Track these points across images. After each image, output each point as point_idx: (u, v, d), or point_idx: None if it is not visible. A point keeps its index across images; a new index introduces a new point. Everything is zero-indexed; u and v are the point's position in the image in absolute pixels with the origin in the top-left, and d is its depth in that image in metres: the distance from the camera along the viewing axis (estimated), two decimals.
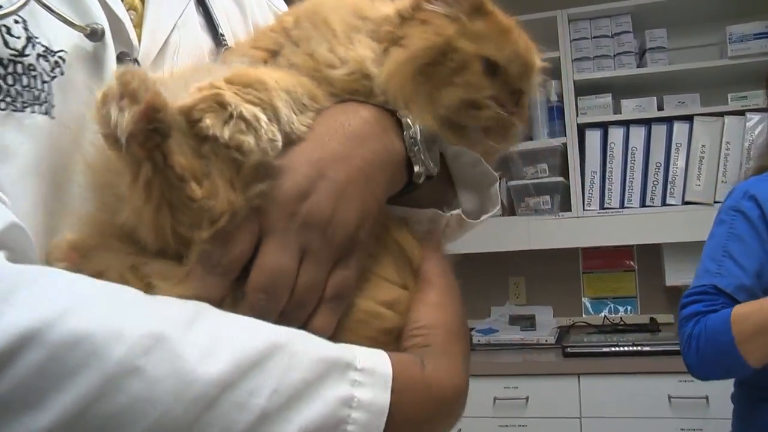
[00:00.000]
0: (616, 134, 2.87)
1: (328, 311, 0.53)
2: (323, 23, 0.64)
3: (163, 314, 0.46)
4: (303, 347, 0.48)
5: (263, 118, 0.51)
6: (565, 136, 2.92)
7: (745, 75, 2.81)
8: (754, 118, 2.72)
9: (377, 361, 0.50)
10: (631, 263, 3.12)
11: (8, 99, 0.54)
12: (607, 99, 2.92)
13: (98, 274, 0.50)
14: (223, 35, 0.76)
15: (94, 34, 0.60)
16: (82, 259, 0.53)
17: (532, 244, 2.89)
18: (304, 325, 0.52)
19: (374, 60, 0.61)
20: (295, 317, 0.52)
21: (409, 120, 0.59)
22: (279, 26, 0.69)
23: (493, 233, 2.73)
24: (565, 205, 2.93)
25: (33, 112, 0.55)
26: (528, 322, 3.02)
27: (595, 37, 2.98)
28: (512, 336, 2.91)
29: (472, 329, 2.98)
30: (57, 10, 0.57)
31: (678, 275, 2.85)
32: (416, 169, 0.59)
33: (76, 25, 0.59)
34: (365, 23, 0.64)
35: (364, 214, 0.54)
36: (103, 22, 0.61)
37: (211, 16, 0.78)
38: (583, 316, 3.14)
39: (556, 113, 2.97)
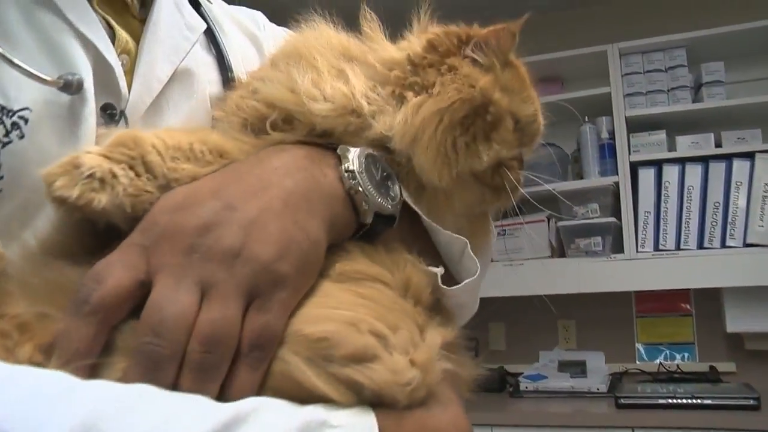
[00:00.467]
0: (671, 172, 2.74)
1: (247, 367, 0.43)
2: (306, 61, 0.59)
3: (94, 402, 0.37)
4: (271, 417, 0.41)
5: (122, 174, 0.47)
6: (617, 174, 2.80)
7: None
8: None
9: (359, 418, 0.43)
10: (688, 307, 2.95)
11: None
12: (661, 136, 2.79)
13: None
14: (233, 78, 0.71)
15: (69, 87, 0.55)
16: None
17: (583, 287, 2.76)
18: (221, 387, 0.43)
19: (368, 98, 0.56)
20: (203, 371, 0.42)
21: (349, 153, 0.53)
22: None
23: (542, 275, 2.62)
24: (617, 247, 2.79)
25: None
26: (578, 369, 2.88)
27: (647, 72, 2.87)
28: (562, 383, 2.77)
29: (519, 374, 2.85)
30: (18, 63, 0.52)
31: (740, 321, 2.69)
32: (362, 205, 0.52)
33: (43, 79, 0.53)
34: (355, 64, 0.59)
35: (286, 246, 0.46)
36: (85, 69, 0.56)
37: (223, 55, 0.73)
38: (637, 362, 2.98)
39: (608, 151, 2.85)
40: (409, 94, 0.57)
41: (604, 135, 2.87)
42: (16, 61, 0.53)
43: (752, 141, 2.71)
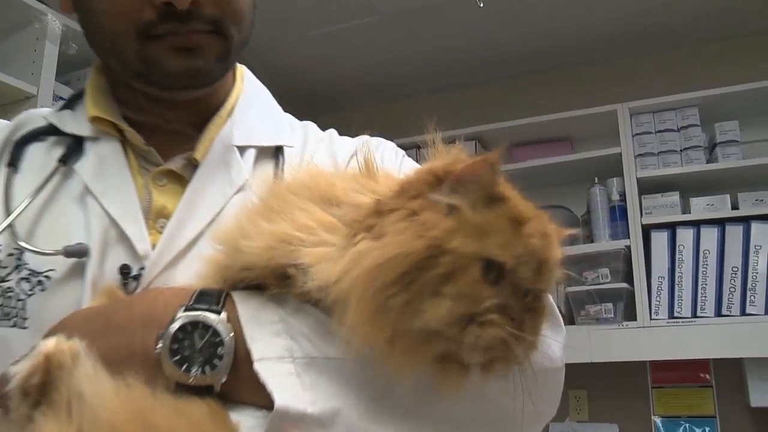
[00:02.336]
0: (685, 236, 2.62)
1: None
2: (266, 206, 0.61)
3: None
4: None
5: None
6: (629, 238, 2.69)
7: None
8: None
9: None
10: (708, 377, 2.79)
11: None
12: (674, 197, 2.68)
13: None
14: None
15: (72, 254, 0.72)
16: None
17: (594, 356, 2.61)
18: None
19: (312, 241, 0.54)
20: None
21: (177, 318, 0.55)
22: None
23: None
24: (630, 314, 2.65)
25: (1, 326, 0.71)
26: None
27: (659, 132, 2.79)
28: None
29: None
30: (21, 245, 0.73)
31: (765, 395, 2.52)
32: (165, 371, 0.54)
33: (41, 252, 0.72)
34: (325, 207, 0.57)
35: None
36: (97, 240, 0.73)
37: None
38: None
39: (618, 214, 2.75)
40: (361, 239, 0.52)
41: (615, 197, 2.77)
42: (21, 244, 0.73)
43: None
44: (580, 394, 2.94)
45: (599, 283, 2.67)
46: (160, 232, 0.76)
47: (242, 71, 0.93)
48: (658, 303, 2.61)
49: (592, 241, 2.77)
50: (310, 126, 0.94)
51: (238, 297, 0.58)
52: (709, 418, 2.76)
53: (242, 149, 0.84)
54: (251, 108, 0.89)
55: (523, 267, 0.52)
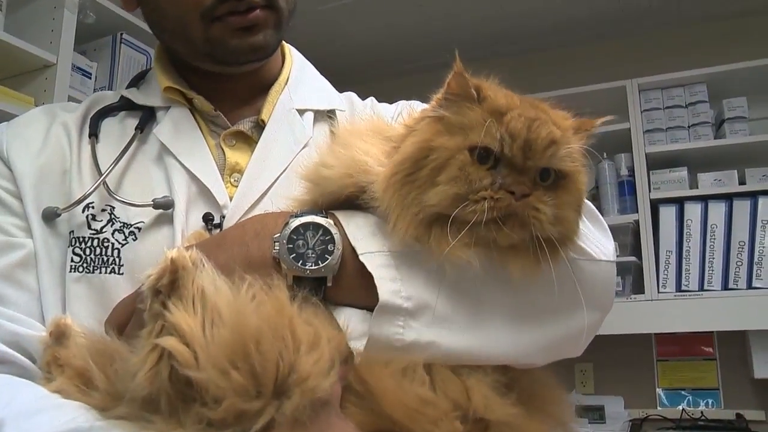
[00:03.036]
0: (693, 210, 2.66)
1: None
2: (339, 142, 0.71)
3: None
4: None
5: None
6: (637, 212, 2.73)
7: None
8: None
9: None
10: (711, 351, 2.83)
11: (84, 265, 0.80)
12: (682, 173, 2.72)
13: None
14: None
15: (160, 206, 0.81)
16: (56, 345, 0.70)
17: (601, 329, 2.64)
18: None
19: (378, 164, 0.64)
20: None
21: (291, 222, 0.65)
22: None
23: None
24: (638, 287, 2.70)
25: (101, 273, 0.80)
26: (597, 414, 2.77)
27: (667, 108, 2.81)
28: (580, 429, 2.65)
29: None
30: (117, 197, 0.82)
31: (765, 367, 2.57)
32: (282, 269, 0.63)
33: (136, 204, 0.81)
34: (384, 141, 0.68)
35: None
36: (182, 192, 0.82)
37: None
38: (658, 408, 2.85)
39: (627, 188, 2.78)
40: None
41: (624, 172, 2.81)
42: (117, 197, 0.82)
43: None
44: (585, 367, 2.99)
45: None
46: (235, 186, 0.86)
47: (288, 47, 1.04)
48: (665, 277, 2.65)
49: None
50: (352, 95, 1.05)
51: (338, 212, 0.68)
52: (713, 390, 2.81)
53: (301, 112, 0.94)
54: (303, 77, 1.00)
55: (508, 147, 0.61)
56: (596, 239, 0.72)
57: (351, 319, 0.63)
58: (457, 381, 0.62)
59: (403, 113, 0.96)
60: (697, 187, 2.70)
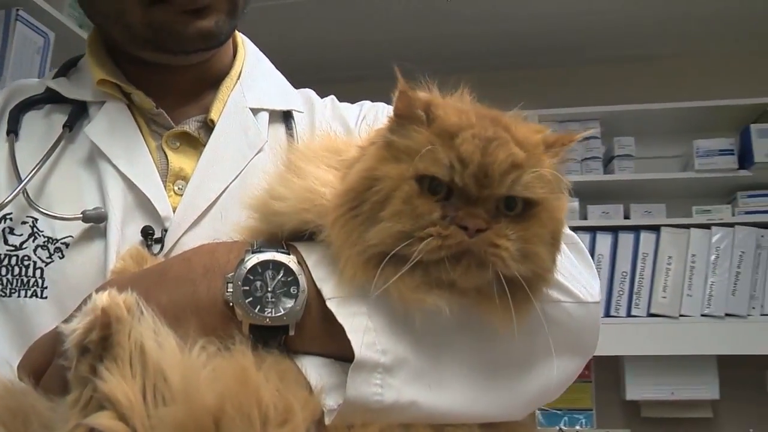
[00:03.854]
0: (582, 240, 2.78)
1: None
2: (292, 167, 0.61)
3: None
4: None
5: None
6: None
7: (710, 189, 2.81)
8: (719, 233, 2.68)
9: None
10: (588, 373, 2.99)
11: None
12: (573, 204, 2.85)
13: None
14: None
15: (90, 219, 0.70)
16: None
17: None
18: None
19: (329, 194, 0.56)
20: None
21: (247, 260, 0.54)
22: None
23: None
24: None
25: (19, 296, 0.69)
26: None
27: None
28: None
29: None
30: (40, 209, 0.70)
31: (639, 390, 2.75)
32: (237, 315, 0.53)
33: (62, 217, 0.70)
34: (340, 164, 0.60)
35: None
36: (117, 202, 0.71)
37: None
38: (537, 428, 2.96)
39: None
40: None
41: None
42: (40, 208, 0.71)
43: (657, 215, 2.82)
44: None
45: None
46: (179, 195, 0.75)
47: (241, 37, 0.92)
48: None
49: None
50: (310, 92, 0.94)
51: (299, 244, 0.58)
52: (587, 411, 2.96)
53: (255, 111, 0.84)
54: (258, 72, 0.89)
55: (459, 175, 0.52)
56: (583, 278, 0.65)
57: (314, 371, 0.54)
58: None
59: (368, 118, 0.89)
60: (587, 218, 2.85)
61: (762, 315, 2.60)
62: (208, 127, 0.81)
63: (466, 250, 0.51)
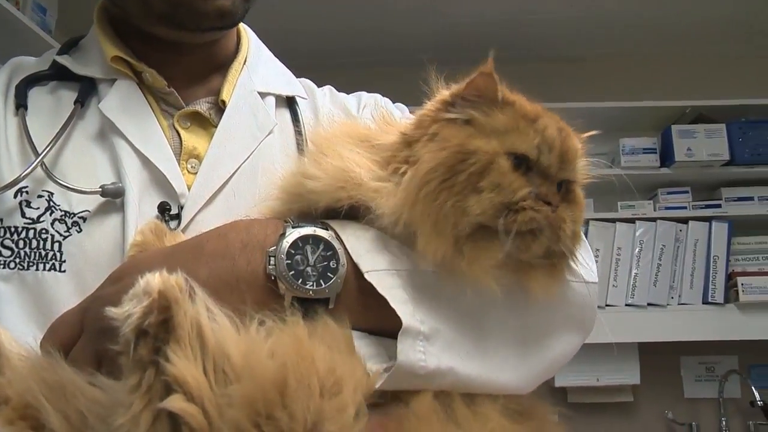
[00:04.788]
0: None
1: None
2: (319, 150, 0.63)
3: None
4: None
5: None
6: None
7: (634, 186, 2.94)
8: (642, 227, 2.83)
9: None
10: None
11: (17, 260, 0.69)
12: None
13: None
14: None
15: (108, 194, 0.71)
16: None
17: None
18: None
19: (369, 172, 0.58)
20: None
21: (287, 235, 0.55)
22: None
23: None
24: None
25: (37, 269, 0.69)
26: None
27: None
28: None
29: None
30: (60, 181, 0.71)
31: (566, 377, 2.88)
32: (280, 288, 0.55)
33: (82, 190, 0.71)
34: (365, 149, 0.61)
35: None
36: (134, 178, 0.72)
37: (303, 134, 0.83)
38: None
39: None
40: (403, 169, 0.58)
41: None
42: (59, 180, 0.71)
43: (586, 209, 2.93)
44: None
45: None
46: (193, 173, 0.77)
47: (242, 25, 0.93)
48: None
49: None
50: (308, 81, 0.96)
51: (332, 222, 0.59)
52: None
53: (263, 96, 0.85)
54: (261, 58, 0.90)
55: (545, 156, 0.57)
56: (583, 259, 0.68)
57: (356, 343, 0.55)
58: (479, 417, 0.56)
59: (369, 107, 0.92)
60: None
61: (680, 304, 2.76)
62: (219, 108, 0.82)
63: (549, 223, 0.56)
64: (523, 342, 0.62)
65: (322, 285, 0.55)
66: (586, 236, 2.53)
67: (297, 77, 0.95)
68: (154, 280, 0.48)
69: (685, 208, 2.89)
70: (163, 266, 0.51)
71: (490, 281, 0.56)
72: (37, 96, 0.79)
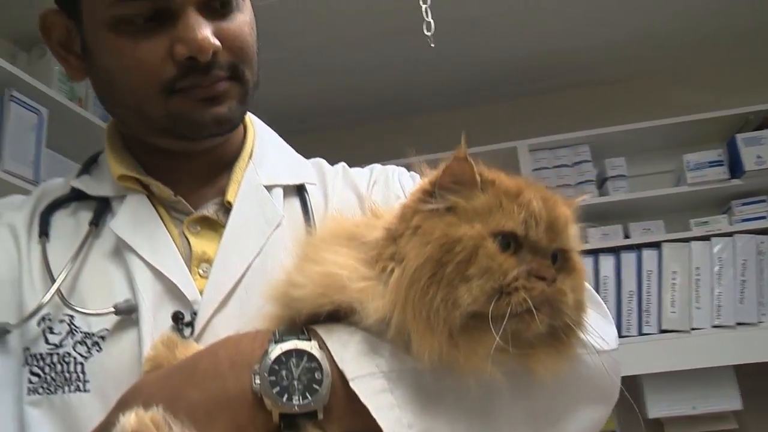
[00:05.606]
0: (584, 263, 2.81)
1: None
2: (305, 254, 0.63)
3: None
4: None
5: None
6: None
7: (704, 201, 2.85)
8: (719, 243, 2.71)
9: None
10: None
11: (44, 385, 0.72)
12: None
13: None
14: None
15: (121, 312, 0.73)
16: None
17: None
18: None
19: (352, 273, 0.57)
20: None
21: (270, 351, 0.56)
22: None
23: None
24: None
25: (64, 392, 0.72)
26: None
27: (555, 167, 2.99)
28: None
29: None
30: (74, 307, 0.74)
31: (660, 407, 2.74)
32: (267, 405, 0.55)
33: (95, 313, 0.74)
34: (360, 248, 0.61)
35: None
36: (146, 293, 0.74)
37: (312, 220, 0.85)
38: None
39: None
40: (390, 267, 0.57)
41: None
42: (74, 306, 0.74)
43: (657, 231, 2.85)
44: None
45: None
46: (204, 277, 0.78)
47: (249, 116, 0.95)
48: None
49: None
50: (321, 161, 0.97)
51: (318, 327, 0.60)
52: None
53: (269, 188, 0.86)
54: (268, 149, 0.92)
55: (533, 229, 0.56)
56: (598, 327, 0.65)
57: None
58: None
59: (379, 182, 0.92)
60: (587, 242, 2.87)
61: None
62: (226, 208, 0.84)
63: (545, 299, 0.54)
64: (535, 429, 0.60)
65: (308, 398, 0.55)
66: (659, 259, 2.44)
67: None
68: (129, 420, 0.52)
69: (764, 217, 2.77)
70: (157, 392, 0.57)
71: (492, 369, 0.54)
72: (59, 220, 0.83)
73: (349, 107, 3.38)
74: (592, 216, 2.45)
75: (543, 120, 3.17)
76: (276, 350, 0.56)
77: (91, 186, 0.85)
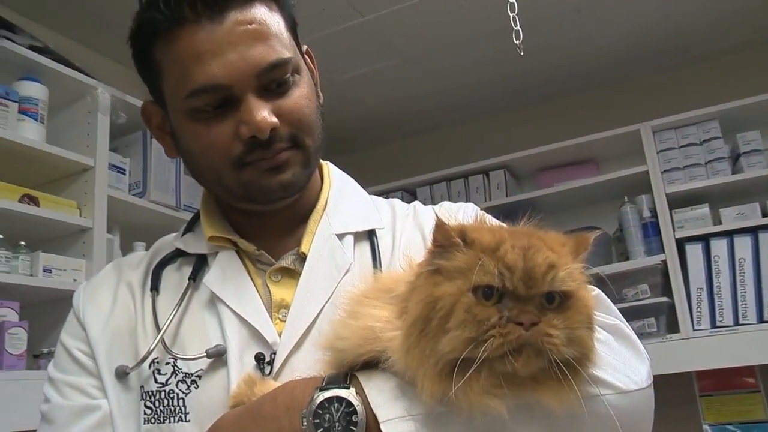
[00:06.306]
0: (719, 246, 2.68)
1: None
2: (351, 309, 0.74)
3: None
4: None
5: None
6: (664, 252, 2.76)
7: None
8: None
9: None
10: (754, 382, 2.82)
11: (155, 416, 0.87)
12: (704, 210, 2.75)
13: None
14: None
15: (212, 356, 0.87)
16: None
17: None
18: None
19: (388, 328, 0.66)
20: None
21: (316, 397, 0.67)
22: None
23: None
24: (673, 327, 2.71)
25: (170, 422, 0.86)
26: None
27: (682, 146, 2.86)
28: None
29: None
30: (174, 354, 0.89)
31: None
32: None
33: (190, 358, 0.88)
34: (394, 299, 0.70)
35: None
36: (233, 338, 0.88)
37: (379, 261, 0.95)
38: None
39: (651, 229, 2.82)
40: (404, 317, 0.67)
41: (646, 213, 2.84)
42: (174, 353, 0.88)
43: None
44: None
45: (639, 299, 2.73)
46: (283, 321, 0.90)
47: (328, 167, 1.07)
48: (699, 314, 2.67)
49: (627, 259, 2.84)
50: (396, 202, 1.07)
51: (360, 374, 0.70)
52: (762, 423, 2.78)
53: (341, 236, 0.97)
54: (342, 199, 1.03)
55: (508, 279, 0.61)
56: (626, 365, 0.71)
57: None
58: None
59: (426, 237, 0.99)
60: (721, 223, 2.73)
61: None
62: (302, 258, 0.95)
63: (524, 342, 0.60)
64: None
65: None
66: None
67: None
68: None
69: None
70: (230, 430, 0.72)
71: (495, 405, 0.60)
72: (167, 275, 0.99)
73: (467, 104, 3.40)
74: (725, 195, 2.38)
75: (665, 98, 3.04)
76: (320, 397, 0.67)
77: (189, 245, 1.00)
